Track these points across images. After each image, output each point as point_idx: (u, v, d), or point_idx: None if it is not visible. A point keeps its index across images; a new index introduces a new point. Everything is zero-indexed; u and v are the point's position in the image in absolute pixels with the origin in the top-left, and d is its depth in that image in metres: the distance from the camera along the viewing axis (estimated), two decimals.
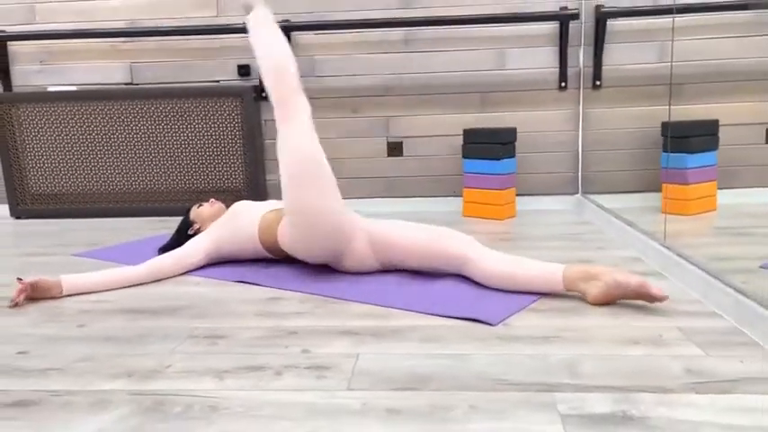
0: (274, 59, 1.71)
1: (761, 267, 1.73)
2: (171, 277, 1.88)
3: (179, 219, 2.96)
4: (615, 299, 1.51)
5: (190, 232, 2.11)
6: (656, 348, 1.24)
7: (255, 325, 1.46)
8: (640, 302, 1.52)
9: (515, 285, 1.60)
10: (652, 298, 1.46)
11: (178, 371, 1.21)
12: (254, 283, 1.81)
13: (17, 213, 3.10)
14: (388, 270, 1.85)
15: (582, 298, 1.56)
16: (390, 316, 1.49)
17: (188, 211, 2.17)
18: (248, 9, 1.79)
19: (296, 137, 1.69)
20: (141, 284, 1.82)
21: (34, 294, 1.69)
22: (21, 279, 1.67)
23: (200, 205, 2.16)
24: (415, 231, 1.75)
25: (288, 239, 1.80)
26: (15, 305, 1.65)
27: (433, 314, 1.49)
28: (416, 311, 1.51)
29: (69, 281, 1.73)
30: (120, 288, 1.79)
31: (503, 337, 1.34)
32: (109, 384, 1.16)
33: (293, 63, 1.73)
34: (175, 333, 1.42)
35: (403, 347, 1.29)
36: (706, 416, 0.98)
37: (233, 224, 1.96)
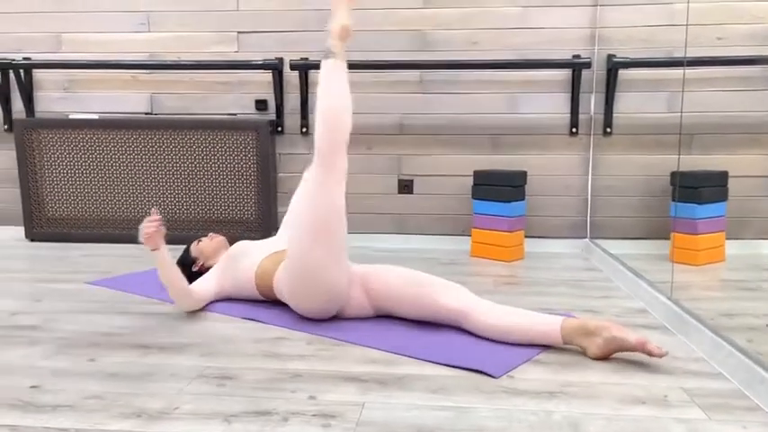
0: (332, 111, 1.69)
1: None
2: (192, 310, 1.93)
3: None
4: (614, 353, 1.53)
5: (194, 269, 2.13)
6: (660, 410, 1.25)
7: (263, 366, 1.48)
8: (644, 358, 1.53)
9: (514, 338, 1.62)
10: (651, 354, 1.47)
11: (186, 413, 1.23)
12: (261, 321, 1.83)
13: (32, 236, 3.15)
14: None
15: (582, 352, 1.57)
16: (396, 362, 1.51)
17: (187, 247, 2.19)
18: (327, 55, 1.76)
19: (332, 193, 1.68)
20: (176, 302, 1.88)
21: (154, 234, 1.74)
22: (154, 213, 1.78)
23: (200, 241, 2.19)
24: (408, 283, 1.75)
25: (287, 292, 1.81)
26: (154, 233, 1.73)
27: (438, 363, 1.50)
28: (422, 359, 1.53)
29: (164, 251, 1.77)
30: (172, 288, 1.82)
31: (507, 389, 1.35)
32: (118, 424, 1.18)
33: (349, 119, 1.71)
34: (184, 371, 1.45)
35: (408, 397, 1.31)
36: None
37: (233, 268, 2.00)
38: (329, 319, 1.83)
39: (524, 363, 1.51)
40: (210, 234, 2.22)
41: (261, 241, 2.09)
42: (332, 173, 1.69)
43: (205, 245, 2.17)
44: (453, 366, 1.48)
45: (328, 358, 1.54)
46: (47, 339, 1.66)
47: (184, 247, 2.24)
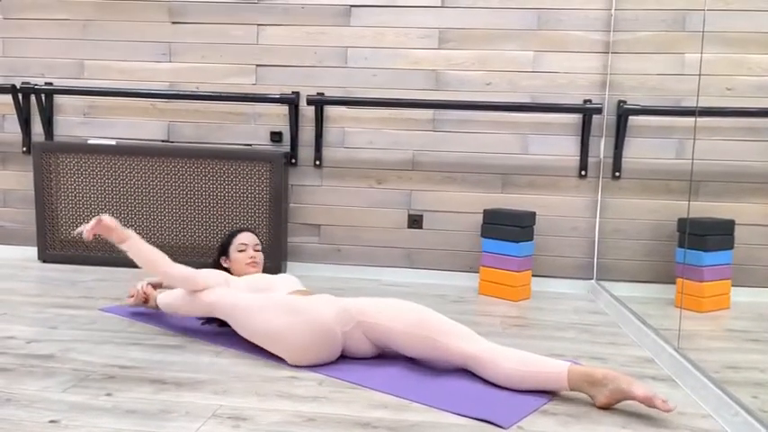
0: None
1: None
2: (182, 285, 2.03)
3: None
4: (620, 402, 1.56)
5: (222, 263, 2.23)
6: None
7: (277, 407, 1.51)
8: (653, 411, 1.55)
9: (522, 384, 1.64)
10: (657, 409, 1.50)
11: None
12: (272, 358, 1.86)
13: (44, 257, 3.19)
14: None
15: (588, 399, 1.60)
16: (407, 408, 1.54)
17: (236, 232, 2.24)
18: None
19: (212, 295, 1.96)
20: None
21: (100, 230, 1.98)
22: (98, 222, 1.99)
23: (245, 250, 2.20)
24: (413, 325, 1.74)
25: (290, 358, 1.83)
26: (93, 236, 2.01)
27: (447, 410, 1.53)
28: (432, 406, 1.55)
29: (135, 239, 2.01)
30: (152, 271, 2.00)
31: None
32: None
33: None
34: (199, 410, 1.47)
35: None
36: None
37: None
38: (341, 359, 1.86)
39: (532, 413, 1.53)
40: (257, 254, 2.22)
41: (277, 277, 2.12)
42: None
43: (241, 256, 2.19)
44: (463, 415, 1.50)
45: (340, 401, 1.56)
46: (63, 371, 1.69)
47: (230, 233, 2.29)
